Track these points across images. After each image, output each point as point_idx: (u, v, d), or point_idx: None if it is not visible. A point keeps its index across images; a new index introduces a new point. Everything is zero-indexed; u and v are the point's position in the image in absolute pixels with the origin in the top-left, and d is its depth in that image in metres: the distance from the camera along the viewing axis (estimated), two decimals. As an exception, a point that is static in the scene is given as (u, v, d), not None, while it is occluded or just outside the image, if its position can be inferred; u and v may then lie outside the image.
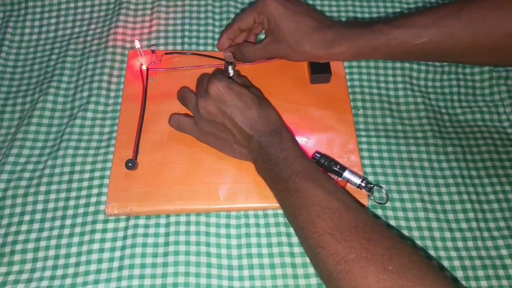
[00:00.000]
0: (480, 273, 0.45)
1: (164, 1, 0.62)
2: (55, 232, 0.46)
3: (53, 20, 0.61)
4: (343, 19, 0.62)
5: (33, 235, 0.45)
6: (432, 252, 0.46)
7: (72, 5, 0.62)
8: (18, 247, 0.45)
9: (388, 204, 0.49)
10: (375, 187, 0.48)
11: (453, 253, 0.46)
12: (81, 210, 0.47)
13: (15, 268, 0.44)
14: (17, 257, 0.44)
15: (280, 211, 0.47)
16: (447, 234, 0.47)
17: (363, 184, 0.47)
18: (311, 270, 0.44)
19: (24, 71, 0.58)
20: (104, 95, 0.54)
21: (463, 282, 0.44)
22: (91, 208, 0.47)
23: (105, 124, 0.53)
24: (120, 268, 0.44)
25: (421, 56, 0.51)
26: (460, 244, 0.47)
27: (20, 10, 0.62)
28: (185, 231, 0.46)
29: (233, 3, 0.62)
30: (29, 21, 0.61)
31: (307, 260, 0.45)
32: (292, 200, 0.40)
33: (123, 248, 0.45)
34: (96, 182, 0.48)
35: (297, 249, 0.45)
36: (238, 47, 0.53)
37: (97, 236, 0.45)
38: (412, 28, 0.46)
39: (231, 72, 0.54)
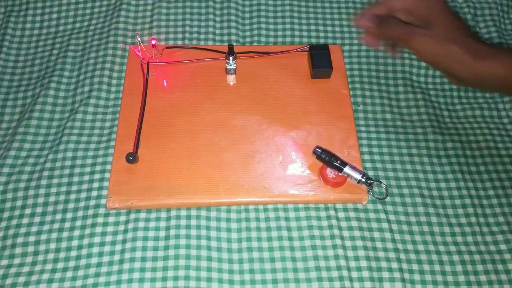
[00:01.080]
0: (479, 267, 0.45)
1: (165, -4, 0.62)
2: (56, 226, 0.46)
3: (54, 15, 0.61)
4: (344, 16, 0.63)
5: (34, 229, 0.46)
6: (431, 247, 0.46)
7: (73, 0, 0.62)
8: (19, 240, 0.45)
9: (388, 199, 0.49)
10: (375, 183, 0.48)
11: (452, 248, 0.46)
12: (82, 204, 0.47)
13: (16, 261, 0.44)
14: (18, 250, 0.44)
15: (280, 206, 0.48)
16: (446, 229, 0.47)
17: (363, 180, 0.47)
18: (310, 264, 0.44)
19: (25, 66, 0.58)
20: (105, 90, 0.54)
21: (463, 277, 0.45)
22: (92, 202, 0.47)
23: (106, 118, 0.53)
24: (121, 261, 0.44)
25: None
26: (459, 239, 0.47)
27: (22, 5, 0.62)
28: (186, 225, 0.46)
29: (234, -1, 0.63)
30: (31, 16, 0.61)
31: (307, 254, 0.45)
32: None
33: (124, 241, 0.45)
34: (97, 176, 0.49)
35: (297, 243, 0.46)
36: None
37: (98, 229, 0.46)
38: None
39: (232, 64, 0.54)
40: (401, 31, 0.40)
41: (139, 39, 0.53)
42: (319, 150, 0.48)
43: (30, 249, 0.45)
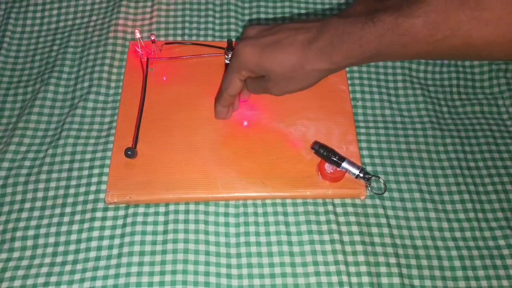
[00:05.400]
0: (478, 263, 0.45)
1: (165, -8, 0.63)
2: (55, 220, 0.46)
3: (55, 11, 0.62)
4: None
5: (33, 222, 0.46)
6: (430, 242, 0.46)
7: (73, -4, 0.63)
8: (19, 234, 0.45)
9: (386, 195, 0.49)
10: (373, 178, 0.48)
11: (451, 243, 0.46)
12: (81, 198, 0.47)
13: (16, 254, 0.44)
14: (17, 244, 0.45)
15: (278, 200, 0.48)
16: (445, 225, 0.47)
17: (361, 175, 0.47)
18: (309, 258, 0.44)
19: (25, 62, 0.58)
20: (104, 85, 0.55)
21: (461, 272, 0.45)
22: (91, 196, 0.47)
23: (105, 114, 0.53)
24: (119, 255, 0.44)
25: (446, 56, 0.36)
26: (457, 234, 0.47)
27: (22, 2, 0.62)
28: (184, 219, 0.46)
29: (233, -5, 0.63)
30: (31, 12, 0.61)
31: (305, 249, 0.45)
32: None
33: (122, 236, 0.45)
34: (96, 171, 0.49)
35: (295, 238, 0.46)
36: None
37: (97, 224, 0.46)
38: (429, 15, 0.33)
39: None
40: (257, 88, 0.45)
41: (138, 35, 0.53)
42: (318, 145, 0.48)
43: (29, 243, 0.45)
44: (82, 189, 0.48)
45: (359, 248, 0.45)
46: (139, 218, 0.46)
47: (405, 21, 0.34)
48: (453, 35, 0.33)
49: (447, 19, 0.33)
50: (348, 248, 0.45)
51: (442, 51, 0.35)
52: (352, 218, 0.47)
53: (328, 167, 0.48)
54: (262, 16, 0.61)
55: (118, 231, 0.46)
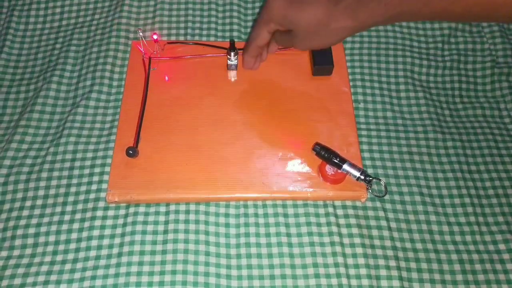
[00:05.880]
0: (478, 266, 0.45)
1: (168, -8, 0.63)
2: (56, 218, 0.46)
3: (58, 10, 0.62)
4: None
5: (34, 221, 0.46)
6: (430, 245, 0.46)
7: (76, -5, 0.63)
8: (19, 232, 0.45)
9: (387, 197, 0.49)
10: (374, 180, 0.48)
11: (451, 247, 0.46)
12: (82, 197, 0.47)
13: (16, 252, 0.44)
14: (18, 242, 0.45)
15: (279, 202, 0.48)
16: (445, 228, 0.47)
17: (362, 177, 0.47)
18: (308, 260, 0.45)
19: (28, 60, 0.58)
20: (106, 84, 0.55)
21: (460, 276, 0.45)
22: (92, 195, 0.47)
23: (107, 112, 0.53)
24: (119, 254, 0.44)
25: (469, 15, 0.38)
26: (458, 238, 0.47)
27: (25, 0, 0.62)
28: (185, 219, 0.46)
29: (236, -5, 0.63)
30: (34, 11, 0.61)
31: (305, 250, 0.45)
32: None
33: (122, 235, 0.45)
34: (97, 170, 0.49)
35: (295, 240, 0.46)
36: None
37: (97, 222, 0.46)
38: None
39: (234, 60, 0.54)
40: (284, 41, 0.46)
41: (141, 34, 0.53)
42: (319, 147, 0.48)
43: (30, 241, 0.45)
44: (83, 188, 0.48)
45: (359, 250, 0.45)
46: (140, 218, 0.46)
47: None
48: None
49: None
50: (348, 250, 0.45)
51: (464, 8, 0.36)
52: (353, 221, 0.47)
53: (329, 169, 0.48)
54: (265, 16, 0.61)
55: (119, 230, 0.46)
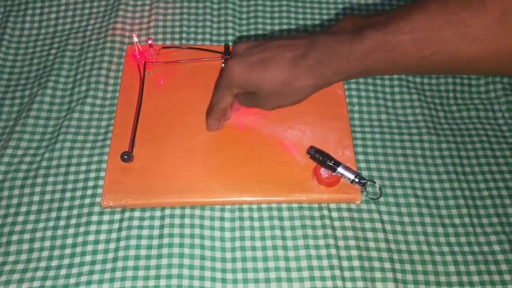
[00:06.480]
0: (472, 268, 0.45)
1: (162, -3, 0.63)
2: (51, 223, 0.46)
3: (53, 15, 0.62)
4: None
5: (29, 226, 0.46)
6: (424, 247, 0.46)
7: (72, 0, 0.63)
8: (15, 237, 0.45)
9: (382, 200, 0.49)
10: (368, 183, 0.48)
11: (446, 248, 0.46)
12: (77, 202, 0.47)
13: (11, 258, 0.44)
14: (13, 248, 0.45)
15: (274, 205, 0.48)
16: (440, 230, 0.47)
17: (356, 180, 0.47)
18: (304, 263, 0.45)
19: (23, 65, 0.58)
20: (102, 89, 0.55)
21: (455, 277, 0.45)
22: (87, 200, 0.47)
23: (102, 118, 0.53)
24: (115, 259, 0.44)
25: (434, 71, 0.37)
26: (452, 239, 0.47)
27: (21, 5, 0.62)
28: (180, 224, 0.46)
29: (231, -1, 0.63)
30: (29, 16, 0.62)
31: (300, 253, 0.45)
32: None
33: (118, 240, 0.45)
34: (92, 175, 0.49)
35: (290, 243, 0.46)
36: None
37: (92, 228, 0.46)
38: (416, 32, 0.33)
39: None
40: (248, 102, 0.45)
41: (136, 39, 0.54)
42: (313, 150, 0.48)
43: (25, 246, 0.45)
44: (79, 193, 0.48)
45: (354, 253, 0.45)
46: (135, 222, 0.46)
47: (393, 38, 0.34)
48: (440, 51, 0.34)
49: (433, 35, 0.33)
50: (343, 253, 0.45)
51: (430, 67, 0.35)
52: (347, 223, 0.47)
53: (324, 172, 0.48)
54: (260, 20, 0.61)
55: (114, 235, 0.46)
